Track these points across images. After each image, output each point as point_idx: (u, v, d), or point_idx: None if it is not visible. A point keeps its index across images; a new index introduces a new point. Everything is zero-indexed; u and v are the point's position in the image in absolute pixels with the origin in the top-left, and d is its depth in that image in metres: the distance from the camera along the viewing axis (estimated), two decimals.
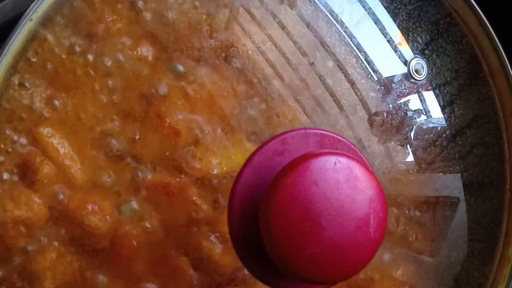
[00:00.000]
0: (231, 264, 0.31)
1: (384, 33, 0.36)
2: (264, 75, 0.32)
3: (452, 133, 0.37)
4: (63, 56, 0.31)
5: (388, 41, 0.36)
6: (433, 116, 0.36)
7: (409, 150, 0.36)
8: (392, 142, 0.35)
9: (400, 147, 0.35)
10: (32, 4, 0.29)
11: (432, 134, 0.36)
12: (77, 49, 0.31)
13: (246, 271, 0.30)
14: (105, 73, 0.31)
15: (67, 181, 0.30)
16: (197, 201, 0.31)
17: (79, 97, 0.31)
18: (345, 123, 0.34)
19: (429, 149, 0.36)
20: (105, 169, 0.31)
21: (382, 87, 0.35)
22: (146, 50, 0.31)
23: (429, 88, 0.36)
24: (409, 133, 0.35)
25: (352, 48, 0.34)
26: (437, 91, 0.37)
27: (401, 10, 0.36)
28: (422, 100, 0.36)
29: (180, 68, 0.32)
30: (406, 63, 0.36)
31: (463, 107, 0.37)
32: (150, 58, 0.31)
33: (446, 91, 0.37)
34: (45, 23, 0.30)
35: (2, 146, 0.30)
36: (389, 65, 0.36)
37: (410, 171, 0.36)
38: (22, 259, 0.30)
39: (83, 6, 0.31)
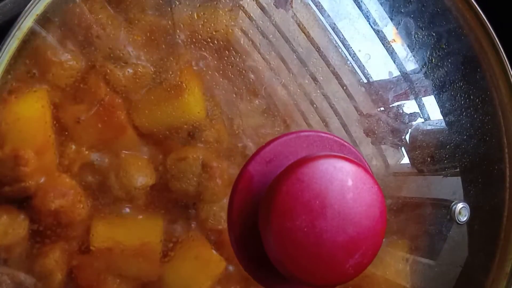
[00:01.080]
0: None
1: (380, 35, 0.35)
2: (258, 78, 0.32)
3: (451, 134, 0.37)
4: (61, 57, 0.30)
5: (384, 43, 0.35)
6: (430, 119, 0.36)
7: (403, 152, 0.35)
8: (389, 145, 0.35)
9: (397, 150, 0.35)
10: (29, 5, 0.29)
11: (429, 137, 0.36)
12: (73, 50, 0.31)
13: None
14: (102, 74, 0.31)
15: None
16: None
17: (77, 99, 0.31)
18: (340, 126, 0.34)
19: (428, 151, 0.36)
20: None
21: (378, 90, 0.35)
22: (145, 53, 0.31)
23: (426, 90, 0.36)
24: (404, 136, 0.35)
25: (347, 50, 0.34)
26: (434, 93, 0.36)
27: (399, 11, 0.36)
28: (418, 102, 0.36)
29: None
30: (401, 64, 0.36)
31: (461, 108, 0.37)
32: (150, 61, 0.31)
33: (443, 92, 0.37)
34: (42, 23, 0.30)
35: None
36: (385, 67, 0.35)
37: (410, 174, 0.36)
38: None
39: (81, 7, 0.31)
